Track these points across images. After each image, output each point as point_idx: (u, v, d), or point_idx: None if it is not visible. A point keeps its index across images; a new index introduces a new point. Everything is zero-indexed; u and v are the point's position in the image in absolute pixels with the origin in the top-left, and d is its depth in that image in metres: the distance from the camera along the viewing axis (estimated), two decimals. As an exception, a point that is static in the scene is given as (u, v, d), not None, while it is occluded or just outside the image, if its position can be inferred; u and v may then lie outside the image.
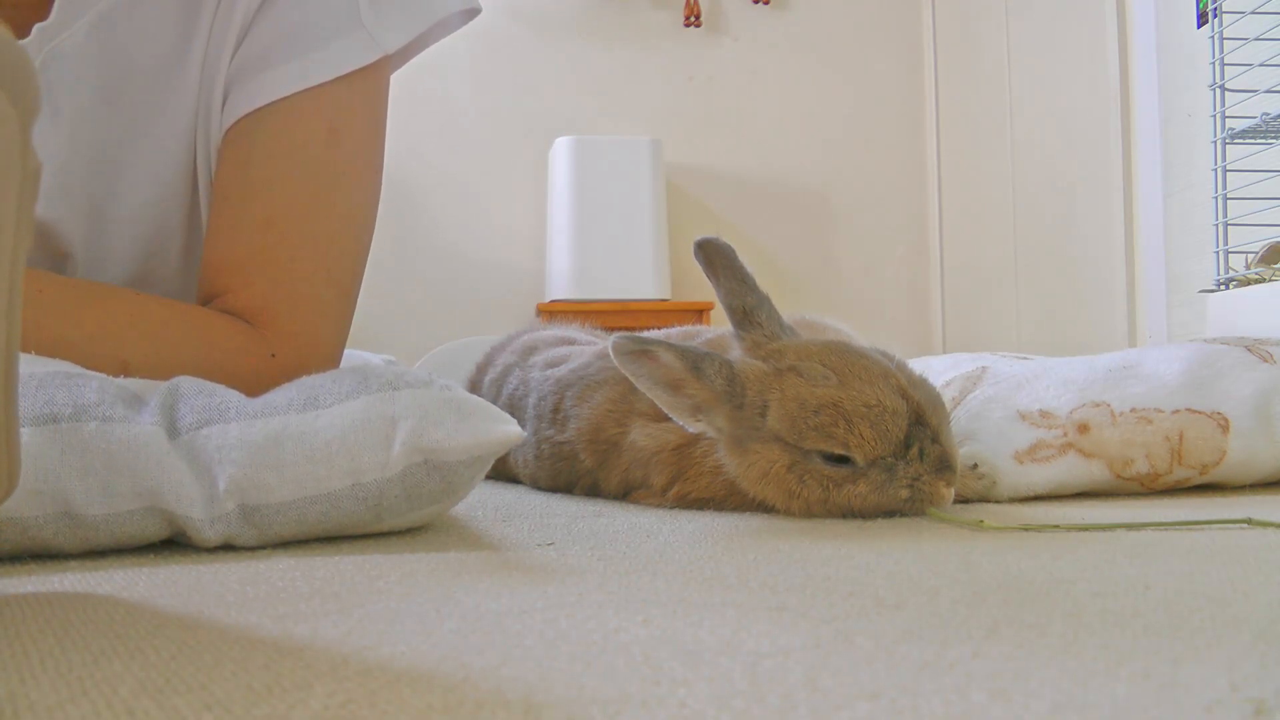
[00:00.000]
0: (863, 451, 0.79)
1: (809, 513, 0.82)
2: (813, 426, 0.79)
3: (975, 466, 0.91)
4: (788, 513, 0.83)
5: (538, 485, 1.09)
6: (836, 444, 0.78)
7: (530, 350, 1.18)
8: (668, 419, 0.89)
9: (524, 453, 1.10)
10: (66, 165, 0.83)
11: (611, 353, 0.82)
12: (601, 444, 0.96)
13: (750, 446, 0.82)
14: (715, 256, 0.91)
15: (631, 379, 0.83)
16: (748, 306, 0.90)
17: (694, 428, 0.85)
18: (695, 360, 0.82)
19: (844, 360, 0.82)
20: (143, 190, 0.86)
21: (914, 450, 0.79)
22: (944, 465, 0.80)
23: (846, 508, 0.81)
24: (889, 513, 0.81)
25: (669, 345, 0.82)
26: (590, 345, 1.13)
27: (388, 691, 0.33)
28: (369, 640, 0.40)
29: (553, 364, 1.09)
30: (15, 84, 0.32)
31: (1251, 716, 0.29)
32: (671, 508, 0.90)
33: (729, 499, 0.86)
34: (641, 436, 0.91)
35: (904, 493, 0.79)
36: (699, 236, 0.92)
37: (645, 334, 0.90)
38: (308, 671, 0.35)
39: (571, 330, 1.30)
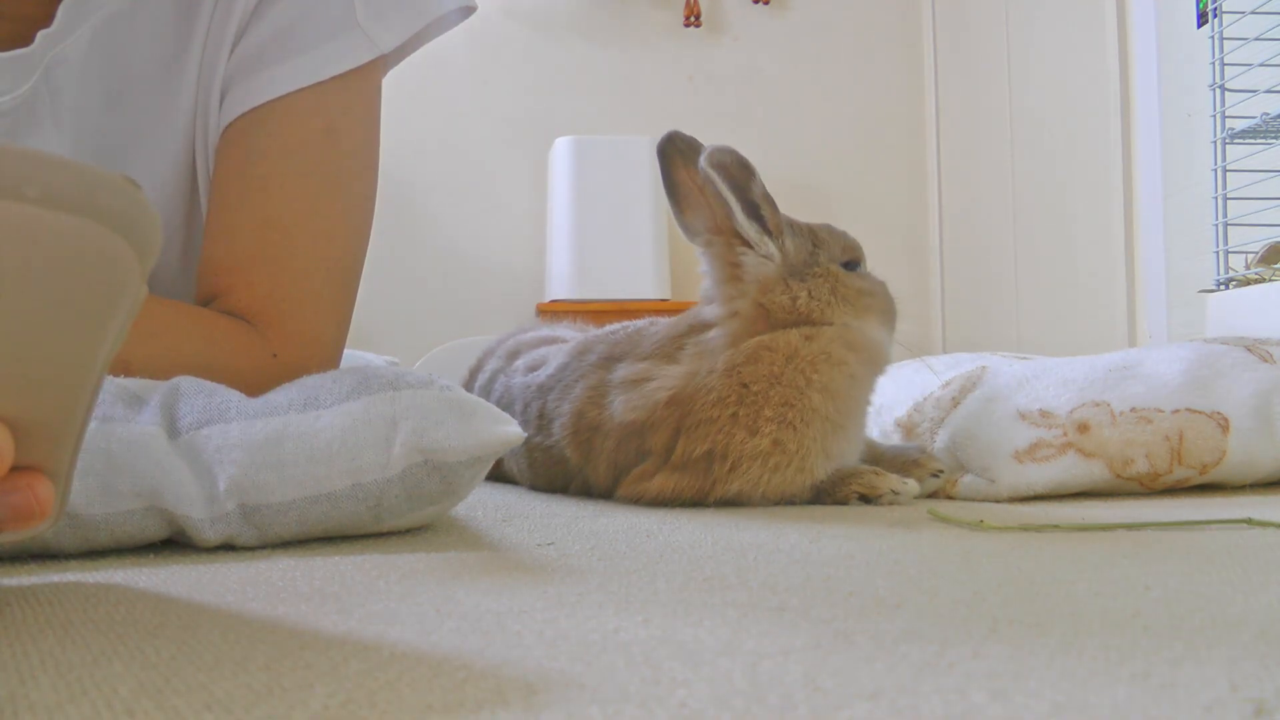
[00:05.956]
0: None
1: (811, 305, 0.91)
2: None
3: (940, 472, 0.95)
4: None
5: (536, 489, 1.09)
6: (860, 255, 0.98)
7: (514, 355, 1.17)
8: (645, 381, 0.89)
9: (518, 461, 1.09)
10: None
11: (704, 160, 0.88)
12: (584, 432, 0.95)
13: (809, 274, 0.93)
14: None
15: (716, 183, 0.89)
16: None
17: (762, 247, 0.92)
18: (774, 208, 0.92)
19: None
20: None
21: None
22: None
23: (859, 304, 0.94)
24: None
25: (766, 190, 0.91)
26: (572, 341, 1.10)
27: (388, 691, 0.33)
28: (369, 640, 0.40)
29: (533, 368, 1.08)
30: (139, 235, 0.37)
31: (1251, 716, 0.29)
32: (660, 497, 0.89)
33: (742, 452, 0.86)
34: (625, 410, 0.91)
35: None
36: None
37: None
38: (308, 671, 0.35)
39: (559, 329, 1.27)
